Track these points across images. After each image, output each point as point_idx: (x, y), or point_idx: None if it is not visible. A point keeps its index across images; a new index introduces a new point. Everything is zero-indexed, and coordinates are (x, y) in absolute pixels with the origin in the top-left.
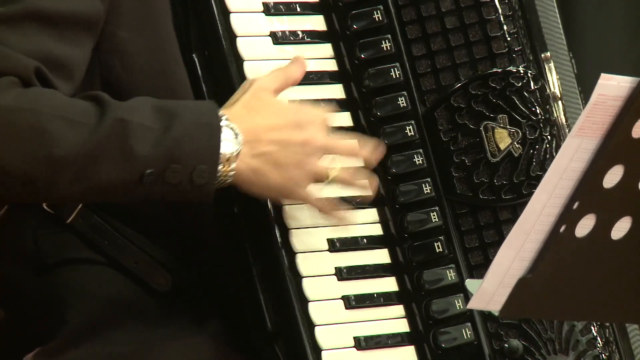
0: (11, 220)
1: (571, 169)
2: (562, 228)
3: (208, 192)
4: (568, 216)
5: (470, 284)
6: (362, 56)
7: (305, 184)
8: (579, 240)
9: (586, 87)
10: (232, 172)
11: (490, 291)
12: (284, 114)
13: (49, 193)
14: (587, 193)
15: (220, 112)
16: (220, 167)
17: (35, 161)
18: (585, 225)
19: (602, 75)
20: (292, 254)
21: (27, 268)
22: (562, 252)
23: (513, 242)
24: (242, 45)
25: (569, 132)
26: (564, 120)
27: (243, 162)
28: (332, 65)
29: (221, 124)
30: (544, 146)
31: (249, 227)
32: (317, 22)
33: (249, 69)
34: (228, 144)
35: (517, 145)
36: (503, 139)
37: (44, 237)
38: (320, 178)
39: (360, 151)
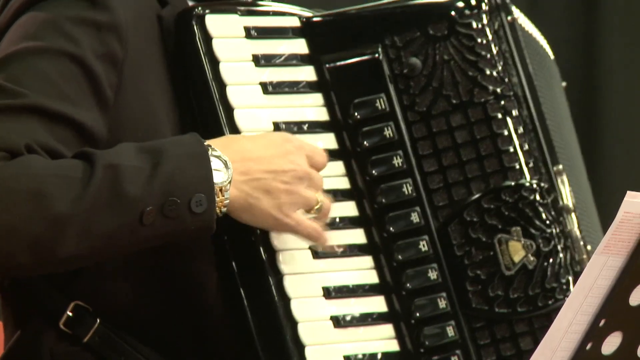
0: (27, 340)
1: (597, 286)
2: (589, 345)
3: (209, 219)
4: (594, 334)
5: None
6: (374, 173)
7: (296, 210)
8: (605, 358)
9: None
10: (227, 201)
11: None
12: (272, 144)
13: (56, 253)
14: (613, 311)
15: (206, 143)
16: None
17: (38, 222)
18: (611, 343)
19: (628, 192)
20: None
21: None
22: None
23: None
24: None
25: (583, 244)
26: (578, 233)
27: (236, 188)
28: (344, 184)
29: (209, 154)
30: (559, 258)
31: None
32: (329, 141)
33: None
34: (219, 174)
35: (531, 258)
36: (517, 251)
37: (60, 357)
38: (310, 205)
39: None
